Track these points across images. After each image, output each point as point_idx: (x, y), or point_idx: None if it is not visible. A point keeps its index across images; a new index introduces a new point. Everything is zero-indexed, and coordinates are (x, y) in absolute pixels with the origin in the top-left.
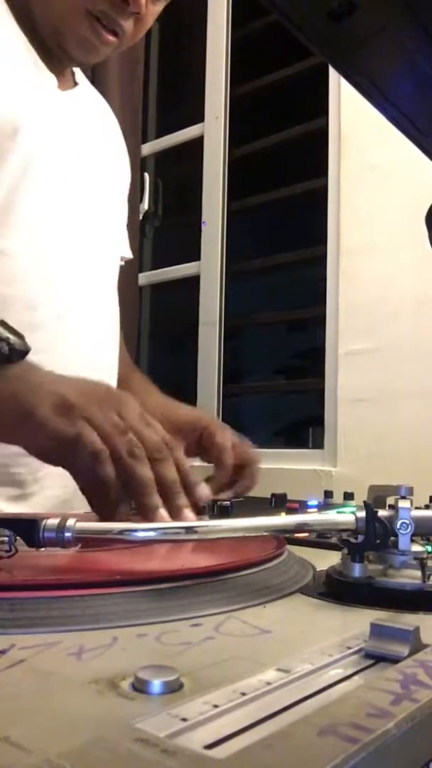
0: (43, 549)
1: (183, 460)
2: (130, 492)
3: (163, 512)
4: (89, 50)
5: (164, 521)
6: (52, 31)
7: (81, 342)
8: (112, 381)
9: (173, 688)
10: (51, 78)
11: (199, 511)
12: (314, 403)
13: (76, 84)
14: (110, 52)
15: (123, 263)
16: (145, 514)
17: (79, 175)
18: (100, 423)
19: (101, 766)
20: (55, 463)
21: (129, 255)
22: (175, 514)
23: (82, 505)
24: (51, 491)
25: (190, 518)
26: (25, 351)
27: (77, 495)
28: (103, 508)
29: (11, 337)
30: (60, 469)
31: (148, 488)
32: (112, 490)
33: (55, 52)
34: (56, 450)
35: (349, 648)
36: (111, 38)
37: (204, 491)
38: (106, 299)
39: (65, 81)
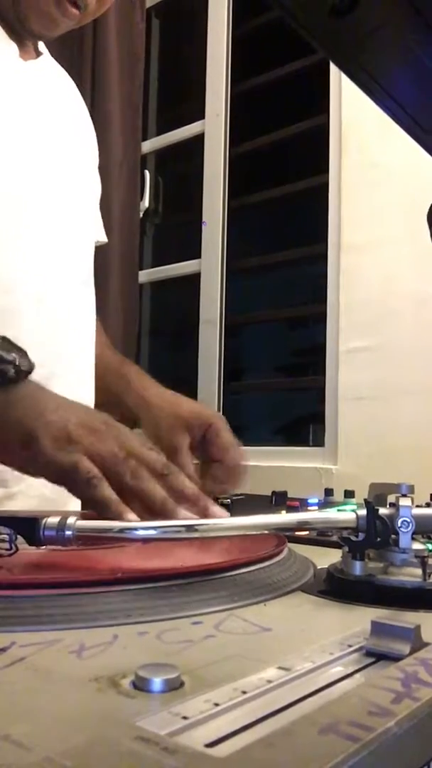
0: (43, 547)
1: (189, 482)
2: (146, 510)
3: (185, 512)
4: (49, 24)
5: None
6: (11, 2)
7: (59, 328)
8: (90, 368)
9: (174, 687)
10: (11, 46)
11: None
12: (315, 400)
13: (39, 55)
14: (71, 26)
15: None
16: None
17: (42, 147)
18: (99, 452)
19: (102, 764)
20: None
21: (103, 239)
22: (202, 514)
23: (69, 504)
24: (36, 490)
25: (219, 514)
26: (30, 370)
27: (63, 493)
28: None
29: (17, 357)
30: None
31: (165, 500)
32: (112, 506)
33: (14, 24)
34: (54, 478)
35: (350, 646)
36: (74, 11)
37: (219, 511)
38: (83, 283)
39: (27, 51)
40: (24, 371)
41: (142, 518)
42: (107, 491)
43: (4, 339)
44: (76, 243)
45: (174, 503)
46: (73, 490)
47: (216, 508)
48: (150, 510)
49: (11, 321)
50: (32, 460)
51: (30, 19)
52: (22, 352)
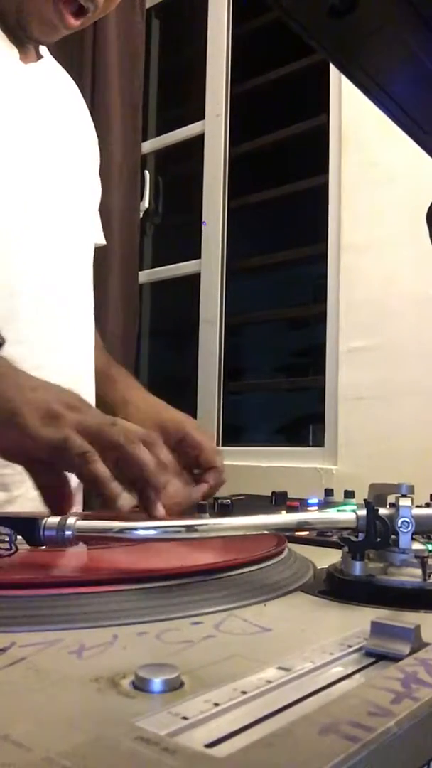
0: (43, 547)
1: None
2: (132, 474)
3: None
4: (50, 31)
5: (162, 514)
6: (14, 8)
7: (59, 329)
8: (90, 373)
9: (174, 687)
10: (12, 50)
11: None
12: (315, 400)
13: (40, 57)
14: (71, 31)
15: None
16: (150, 495)
17: (43, 150)
18: (88, 425)
19: (102, 764)
20: (40, 471)
21: (102, 241)
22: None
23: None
24: (36, 492)
25: (195, 494)
26: (2, 342)
27: None
28: (107, 502)
29: None
30: None
31: (152, 468)
32: (107, 485)
33: (15, 29)
34: (46, 456)
35: (350, 646)
36: (73, 21)
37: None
38: (82, 284)
39: (28, 54)
40: None
41: (130, 492)
42: (101, 468)
43: None
44: (76, 245)
45: (163, 479)
46: (65, 465)
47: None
48: (139, 478)
49: (10, 320)
50: (17, 440)
51: (31, 25)
52: None
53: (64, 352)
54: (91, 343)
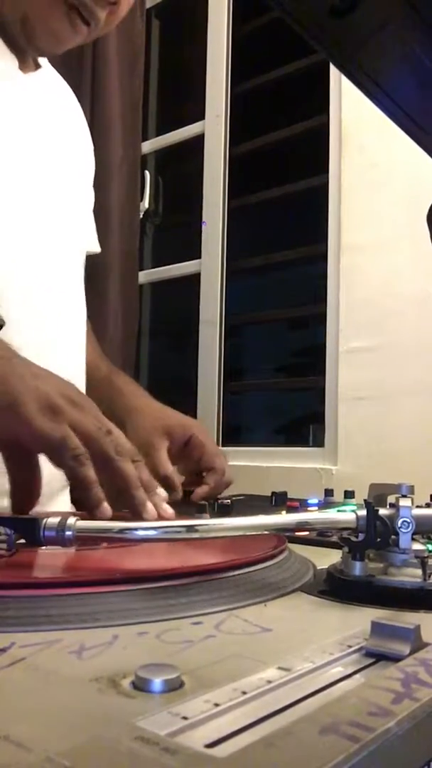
0: (43, 547)
1: (165, 462)
2: (117, 486)
3: (149, 505)
4: (56, 42)
5: (153, 515)
6: (18, 19)
7: (49, 337)
8: (81, 378)
9: (174, 687)
10: (12, 59)
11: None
12: (315, 400)
13: (38, 67)
14: (77, 43)
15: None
16: (135, 507)
17: (39, 158)
18: (86, 427)
19: (102, 764)
20: (21, 463)
21: (96, 249)
22: (156, 508)
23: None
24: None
25: (169, 513)
26: (1, 324)
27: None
28: (86, 503)
29: None
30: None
31: (136, 483)
32: (92, 489)
33: (17, 39)
34: (39, 448)
35: (350, 646)
36: (84, 28)
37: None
38: (72, 292)
39: (27, 64)
40: None
41: (110, 502)
42: (91, 472)
43: None
44: (65, 250)
45: (144, 494)
46: (57, 462)
47: (165, 507)
48: (125, 491)
49: None
50: (14, 426)
51: (37, 36)
52: None
53: (55, 356)
54: (82, 348)
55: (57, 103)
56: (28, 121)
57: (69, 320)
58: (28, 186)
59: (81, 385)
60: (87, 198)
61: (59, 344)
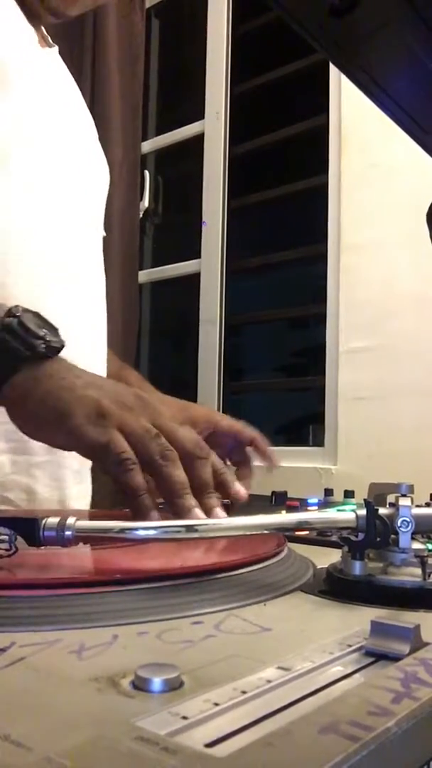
0: (43, 548)
1: (218, 461)
2: (163, 493)
3: (198, 512)
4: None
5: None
6: None
7: (69, 325)
8: (102, 369)
9: (174, 686)
10: (32, 32)
11: (228, 508)
12: (315, 400)
13: (51, 46)
14: (91, 3)
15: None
16: (181, 515)
17: (61, 131)
18: (133, 429)
19: (101, 764)
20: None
21: (102, 233)
22: (206, 513)
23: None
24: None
25: (221, 517)
26: (61, 347)
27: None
28: (136, 514)
29: (48, 333)
30: None
31: (183, 489)
32: (141, 497)
33: (34, 6)
34: (90, 456)
35: (350, 646)
36: None
37: (241, 490)
38: (94, 276)
39: (43, 38)
40: (54, 347)
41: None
42: (137, 478)
43: (36, 315)
44: (89, 228)
45: (192, 501)
46: (104, 468)
47: (239, 486)
48: (169, 498)
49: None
50: (66, 439)
51: None
52: (54, 330)
53: (77, 339)
54: (104, 331)
55: (69, 83)
56: (49, 92)
57: (91, 297)
58: (55, 160)
59: (102, 367)
60: (104, 178)
61: (81, 323)
